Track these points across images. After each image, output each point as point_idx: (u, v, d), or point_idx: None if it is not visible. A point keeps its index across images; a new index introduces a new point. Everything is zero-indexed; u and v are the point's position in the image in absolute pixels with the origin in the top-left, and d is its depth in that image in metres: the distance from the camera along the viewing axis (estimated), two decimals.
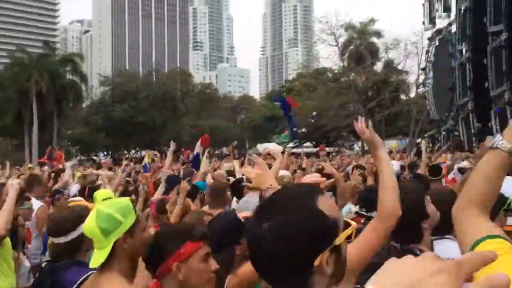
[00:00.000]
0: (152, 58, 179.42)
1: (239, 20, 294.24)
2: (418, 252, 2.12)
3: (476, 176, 1.46)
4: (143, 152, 25.50)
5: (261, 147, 34.43)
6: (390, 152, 15.79)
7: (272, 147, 9.37)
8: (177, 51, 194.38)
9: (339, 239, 1.12)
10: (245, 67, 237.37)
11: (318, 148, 33.08)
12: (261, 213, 1.17)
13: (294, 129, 10.86)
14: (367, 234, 1.85)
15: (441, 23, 33.20)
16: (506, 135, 1.43)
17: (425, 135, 38.97)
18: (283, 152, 5.06)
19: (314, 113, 43.79)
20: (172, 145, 8.52)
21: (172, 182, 5.49)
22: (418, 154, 17.23)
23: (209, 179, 5.87)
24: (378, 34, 42.71)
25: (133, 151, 57.45)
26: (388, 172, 2.02)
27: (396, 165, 6.46)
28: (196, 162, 8.26)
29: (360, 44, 42.99)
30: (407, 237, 2.27)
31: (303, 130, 50.14)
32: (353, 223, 1.21)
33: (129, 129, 52.91)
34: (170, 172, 6.83)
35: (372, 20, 43.03)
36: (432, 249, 2.46)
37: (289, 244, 1.07)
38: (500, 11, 22.64)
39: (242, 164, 7.99)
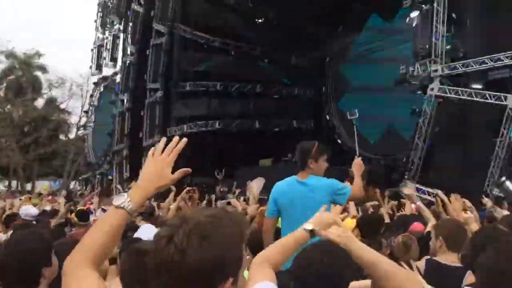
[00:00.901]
0: None
1: None
2: None
3: (96, 231, 1.41)
4: None
5: None
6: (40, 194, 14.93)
7: None
8: None
9: None
10: None
11: None
12: None
13: None
14: None
15: (107, 71, 34.66)
16: (132, 195, 1.47)
17: (80, 178, 38.65)
18: None
19: None
20: None
21: None
22: (69, 196, 16.83)
23: None
24: (43, 69, 40.46)
25: None
26: None
27: (35, 209, 6.06)
28: None
29: (22, 76, 39.62)
30: (22, 284, 2.05)
31: None
32: None
33: None
34: None
35: (38, 54, 40.52)
36: None
37: None
38: (158, 72, 25.60)
39: None
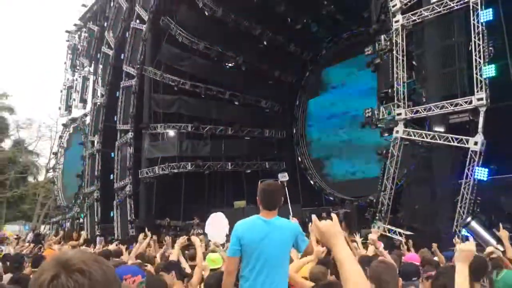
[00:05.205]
0: None
1: None
2: None
3: None
4: None
5: None
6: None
7: None
8: None
9: None
10: None
11: None
12: None
13: None
14: None
15: (76, 113, 34.33)
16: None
17: (51, 221, 37.55)
18: None
19: None
20: None
21: None
22: (38, 241, 16.32)
23: None
24: (11, 110, 39.76)
25: None
26: None
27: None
28: None
29: None
30: None
31: None
32: None
33: None
34: None
35: (5, 95, 39.84)
36: None
37: None
38: (128, 114, 25.45)
39: None
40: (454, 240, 10.09)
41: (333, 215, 1.92)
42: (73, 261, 1.04)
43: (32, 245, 12.90)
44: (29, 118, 38.78)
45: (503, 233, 4.83)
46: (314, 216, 1.96)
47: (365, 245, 7.97)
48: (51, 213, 37.44)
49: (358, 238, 6.91)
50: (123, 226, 24.26)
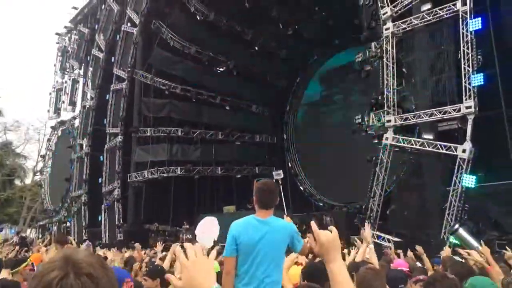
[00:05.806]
0: None
1: None
2: None
3: None
4: None
5: None
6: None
7: None
8: None
9: None
10: None
11: None
12: None
13: None
14: None
15: (65, 115, 33.98)
16: None
17: (37, 224, 37.08)
18: None
19: None
20: None
21: None
22: (23, 244, 16.10)
23: None
24: None
25: None
26: None
27: None
28: None
29: None
30: None
31: None
32: None
33: None
34: None
35: None
36: None
37: None
38: (118, 117, 25.26)
39: None
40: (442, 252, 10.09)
41: (333, 228, 1.81)
42: (82, 264, 1.05)
43: (17, 247, 12.68)
44: (17, 120, 38.35)
45: (485, 250, 4.78)
46: (314, 225, 1.85)
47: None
48: (38, 216, 36.97)
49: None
50: (111, 230, 24.01)
